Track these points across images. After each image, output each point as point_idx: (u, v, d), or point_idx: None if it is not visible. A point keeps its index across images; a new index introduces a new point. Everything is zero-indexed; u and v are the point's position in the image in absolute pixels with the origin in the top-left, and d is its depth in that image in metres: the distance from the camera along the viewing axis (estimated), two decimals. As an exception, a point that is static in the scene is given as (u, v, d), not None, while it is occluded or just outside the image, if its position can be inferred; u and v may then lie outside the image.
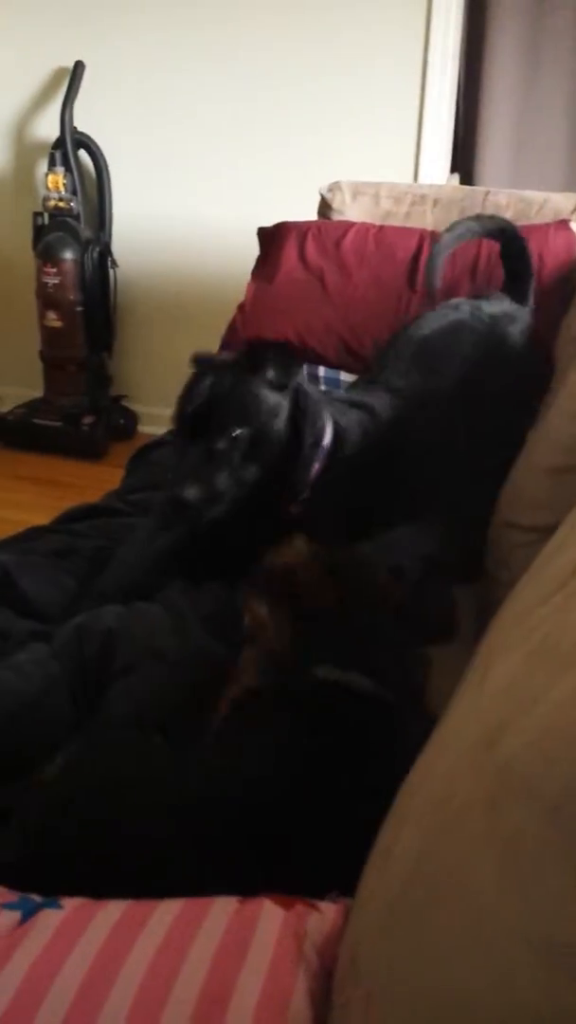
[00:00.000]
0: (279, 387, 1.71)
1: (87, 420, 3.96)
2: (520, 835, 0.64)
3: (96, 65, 3.74)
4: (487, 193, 2.56)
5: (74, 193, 3.82)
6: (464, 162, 3.58)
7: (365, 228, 2.50)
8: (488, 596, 1.58)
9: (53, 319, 3.89)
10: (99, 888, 0.96)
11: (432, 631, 1.54)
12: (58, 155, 3.78)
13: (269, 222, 2.62)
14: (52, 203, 3.81)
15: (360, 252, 2.44)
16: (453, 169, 3.64)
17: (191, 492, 1.60)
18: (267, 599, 1.31)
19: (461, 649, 1.27)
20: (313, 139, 3.61)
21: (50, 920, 0.89)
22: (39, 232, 3.86)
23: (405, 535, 1.67)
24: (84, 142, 3.83)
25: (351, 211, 2.66)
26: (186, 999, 0.79)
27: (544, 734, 0.67)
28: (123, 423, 4.11)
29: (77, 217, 3.83)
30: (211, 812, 1.07)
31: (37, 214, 3.86)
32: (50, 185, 3.79)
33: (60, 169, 3.78)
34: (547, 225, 2.38)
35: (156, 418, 3.76)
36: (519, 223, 2.27)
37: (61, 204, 3.80)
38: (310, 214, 2.74)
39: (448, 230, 2.21)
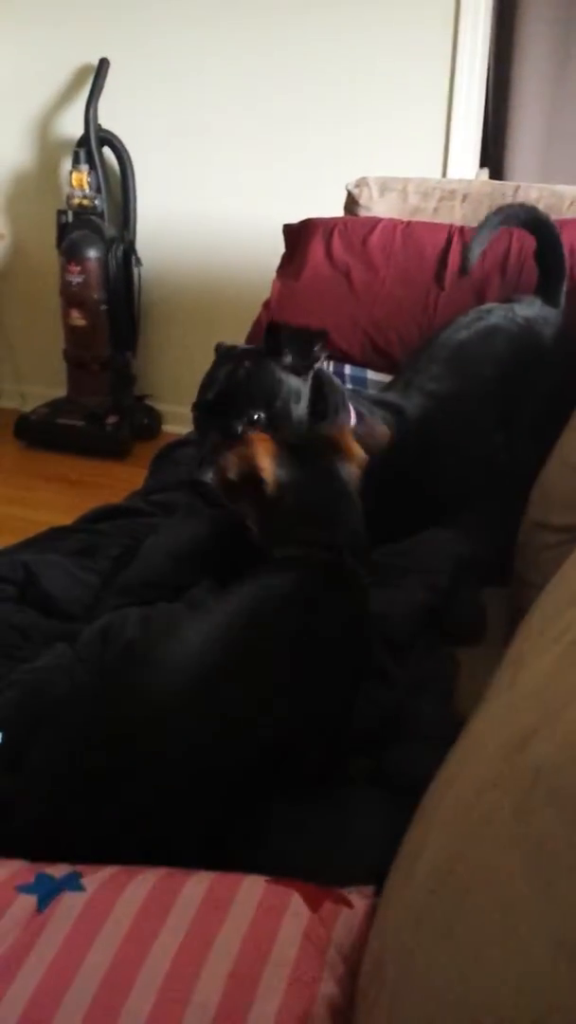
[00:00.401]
0: (298, 370, 1.71)
1: (111, 420, 3.96)
2: (550, 838, 0.63)
3: (121, 62, 3.74)
4: (517, 188, 2.53)
5: (98, 191, 3.83)
6: (494, 156, 3.54)
7: (392, 224, 2.48)
8: (517, 598, 1.56)
9: (77, 318, 3.90)
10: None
11: (461, 633, 1.54)
12: (82, 153, 3.78)
13: (295, 219, 2.60)
14: (76, 201, 3.82)
15: (387, 248, 2.42)
16: (483, 163, 3.60)
17: (210, 476, 1.60)
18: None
19: (490, 651, 1.28)
20: (339, 134, 3.59)
21: (70, 908, 0.87)
22: (63, 230, 3.86)
23: (435, 536, 1.66)
24: (108, 140, 3.83)
25: (378, 207, 2.64)
26: (207, 1003, 0.78)
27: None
28: (147, 423, 4.10)
29: (101, 215, 3.84)
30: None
31: (61, 212, 3.86)
32: (74, 183, 3.80)
33: (84, 167, 3.78)
34: (580, 219, 2.35)
35: (180, 417, 3.72)
36: (552, 218, 2.24)
37: (85, 202, 3.81)
38: (336, 211, 2.72)
39: (494, 213, 2.20)
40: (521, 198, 2.43)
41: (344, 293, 2.40)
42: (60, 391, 4.13)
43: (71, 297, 3.87)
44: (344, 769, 1.22)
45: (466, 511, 1.74)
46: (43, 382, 4.29)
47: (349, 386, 2.30)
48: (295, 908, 0.88)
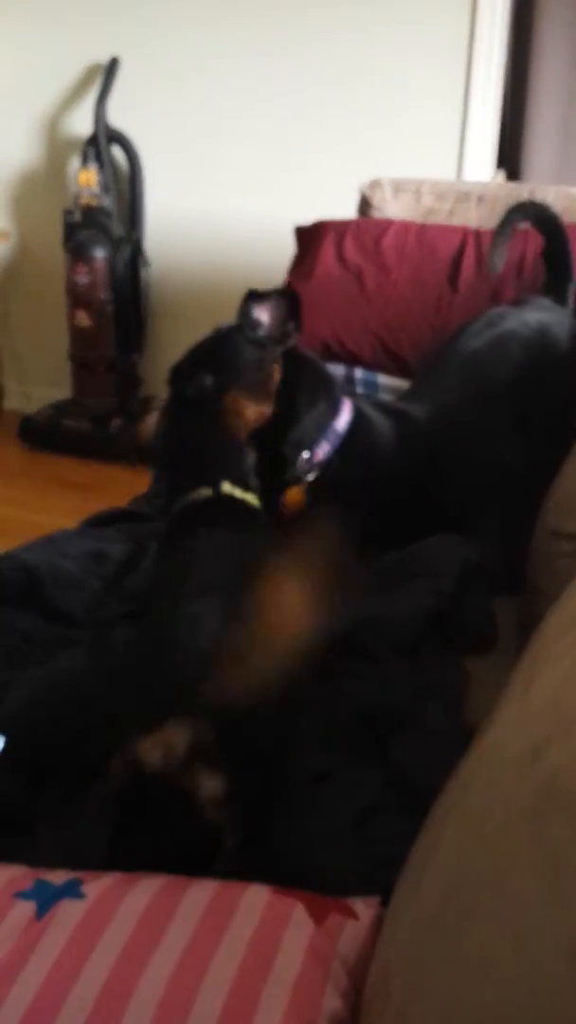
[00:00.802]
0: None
1: (116, 422, 3.94)
2: (564, 849, 0.63)
3: (131, 61, 3.74)
4: (533, 190, 2.52)
5: (106, 190, 3.81)
6: (511, 157, 3.54)
7: (406, 226, 2.47)
8: (531, 607, 1.55)
9: (83, 318, 3.88)
10: None
11: (470, 642, 1.52)
12: (91, 151, 3.77)
13: (306, 220, 2.59)
14: (84, 200, 3.79)
15: (400, 251, 2.40)
16: (499, 165, 3.60)
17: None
18: None
19: (501, 662, 1.27)
20: (353, 135, 3.57)
21: (70, 915, 0.86)
22: (70, 229, 3.83)
23: (443, 540, 1.64)
24: (118, 138, 3.82)
25: (392, 209, 2.62)
26: (207, 1015, 0.77)
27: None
28: (153, 425, 4.08)
29: (109, 215, 3.82)
30: None
31: (68, 211, 3.83)
32: (82, 182, 3.77)
33: (93, 165, 3.77)
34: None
35: (186, 420, 3.72)
36: (566, 220, 2.23)
37: (93, 201, 3.79)
38: (348, 211, 2.71)
39: (512, 211, 2.20)
40: (537, 200, 2.42)
41: (355, 295, 2.39)
42: (65, 393, 4.11)
43: (77, 297, 3.85)
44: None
45: (479, 519, 1.73)
46: (48, 383, 4.28)
47: (360, 389, 2.29)
48: (299, 919, 0.87)
